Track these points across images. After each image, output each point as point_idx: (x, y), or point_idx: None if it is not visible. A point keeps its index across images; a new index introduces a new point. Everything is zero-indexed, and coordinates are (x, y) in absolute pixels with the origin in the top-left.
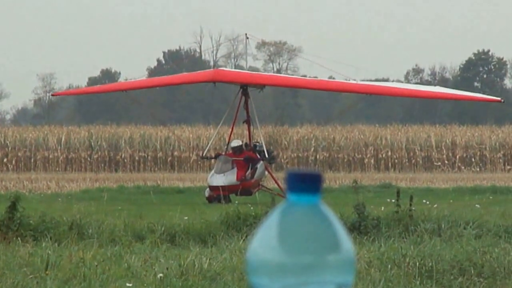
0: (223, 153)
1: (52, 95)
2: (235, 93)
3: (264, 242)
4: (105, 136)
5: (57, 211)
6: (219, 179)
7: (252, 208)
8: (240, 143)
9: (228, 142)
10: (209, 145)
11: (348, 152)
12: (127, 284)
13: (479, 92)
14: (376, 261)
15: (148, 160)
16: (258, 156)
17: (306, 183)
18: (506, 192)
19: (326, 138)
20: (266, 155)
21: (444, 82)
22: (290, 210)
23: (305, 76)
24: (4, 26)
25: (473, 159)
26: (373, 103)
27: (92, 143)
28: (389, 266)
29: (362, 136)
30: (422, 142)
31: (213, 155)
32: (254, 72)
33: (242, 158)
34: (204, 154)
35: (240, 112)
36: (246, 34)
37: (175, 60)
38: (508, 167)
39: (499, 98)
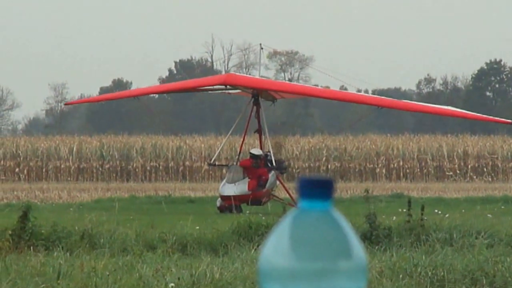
0: (235, 162)
1: (65, 104)
2: (246, 103)
3: (275, 248)
4: (116, 146)
5: (69, 221)
6: (230, 189)
7: (263, 218)
8: (260, 152)
9: (240, 152)
10: (217, 153)
11: (359, 162)
12: None
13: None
14: (387, 270)
15: (159, 170)
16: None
17: (317, 189)
18: None
19: (337, 148)
20: (275, 164)
21: (456, 92)
22: (301, 216)
23: (316, 85)
24: (15, 36)
25: (485, 169)
26: (384, 113)
27: (104, 153)
28: (401, 275)
29: (373, 145)
30: (433, 151)
31: (223, 163)
32: (265, 78)
33: (251, 165)
34: (212, 161)
35: (251, 121)
36: (260, 44)
37: (187, 69)
38: None
39: (509, 120)
